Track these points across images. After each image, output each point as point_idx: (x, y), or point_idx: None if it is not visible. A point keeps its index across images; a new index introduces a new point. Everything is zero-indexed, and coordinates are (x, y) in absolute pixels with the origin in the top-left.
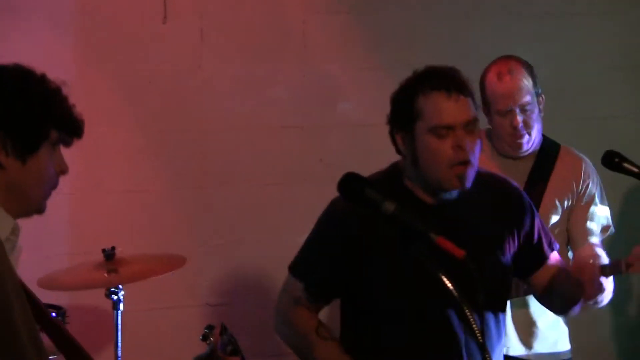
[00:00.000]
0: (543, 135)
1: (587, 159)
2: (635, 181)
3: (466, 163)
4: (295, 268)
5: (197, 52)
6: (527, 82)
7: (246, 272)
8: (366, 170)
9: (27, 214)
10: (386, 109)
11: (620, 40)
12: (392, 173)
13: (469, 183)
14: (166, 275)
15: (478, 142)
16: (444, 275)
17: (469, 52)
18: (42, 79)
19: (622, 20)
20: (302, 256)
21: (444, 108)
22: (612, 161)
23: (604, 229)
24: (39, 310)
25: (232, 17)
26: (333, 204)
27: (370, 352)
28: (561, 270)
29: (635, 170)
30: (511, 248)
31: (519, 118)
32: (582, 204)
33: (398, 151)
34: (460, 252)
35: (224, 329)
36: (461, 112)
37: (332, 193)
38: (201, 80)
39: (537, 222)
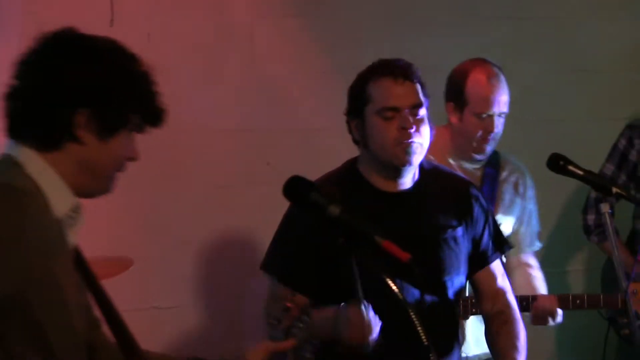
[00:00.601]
0: None
1: (524, 168)
2: (580, 184)
3: (411, 142)
4: (267, 265)
5: (144, 55)
6: (508, 91)
7: (195, 274)
8: (313, 173)
9: (92, 193)
10: (334, 112)
11: (568, 44)
12: (349, 166)
13: (416, 159)
14: (113, 278)
15: (425, 124)
16: (389, 278)
17: (419, 56)
18: (135, 59)
19: (572, 24)
20: (273, 253)
21: (390, 91)
22: (557, 164)
23: (537, 235)
24: (93, 285)
25: (180, 20)
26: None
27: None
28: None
29: (580, 172)
30: (465, 234)
31: (496, 124)
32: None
33: (355, 141)
34: (405, 256)
35: None
36: (407, 95)
37: (279, 196)
38: None
39: (491, 223)
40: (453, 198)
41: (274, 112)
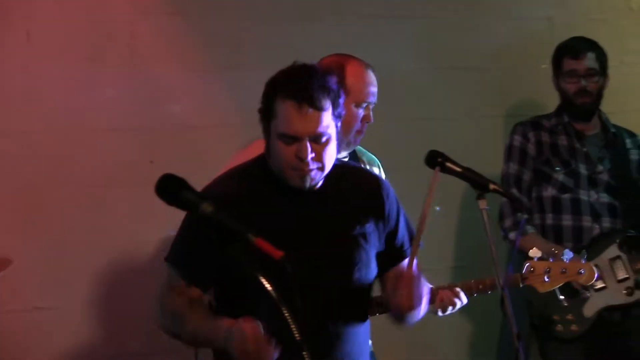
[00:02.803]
0: None
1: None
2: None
3: (307, 170)
4: (170, 257)
5: (24, 53)
6: None
7: (75, 274)
8: (196, 170)
9: None
10: (216, 110)
11: (443, 43)
12: (260, 160)
13: (312, 183)
14: None
15: (329, 147)
16: (262, 275)
17: (298, 54)
18: None
19: (446, 22)
20: (175, 245)
21: (292, 119)
22: (435, 161)
23: None
24: None
25: (59, 18)
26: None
27: None
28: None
29: (458, 169)
30: (375, 230)
31: (372, 114)
32: None
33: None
34: (278, 254)
35: None
36: (308, 125)
37: None
38: (27, 82)
39: (402, 217)
40: (363, 194)
41: (156, 111)
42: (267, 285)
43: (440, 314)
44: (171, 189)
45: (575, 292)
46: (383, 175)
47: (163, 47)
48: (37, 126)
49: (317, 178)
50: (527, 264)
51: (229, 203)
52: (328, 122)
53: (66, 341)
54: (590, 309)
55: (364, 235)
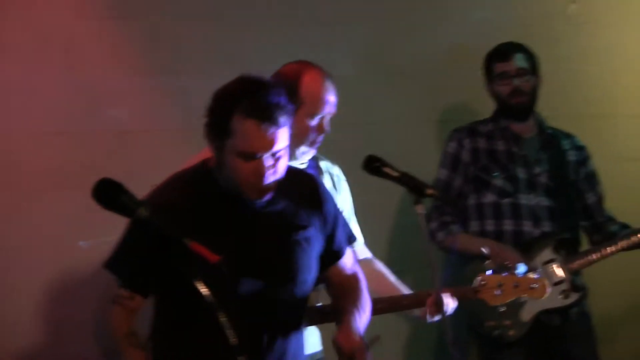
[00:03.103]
0: None
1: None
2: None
3: (265, 184)
4: (109, 262)
5: None
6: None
7: (9, 279)
8: (133, 175)
9: None
10: (155, 115)
11: (382, 47)
12: (202, 166)
13: (269, 196)
14: None
15: (283, 158)
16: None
17: (236, 57)
18: None
19: (386, 27)
20: (115, 250)
21: (253, 138)
22: (372, 166)
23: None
24: None
25: None
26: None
27: (173, 349)
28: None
29: (395, 174)
30: (316, 233)
31: (328, 124)
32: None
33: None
34: (214, 257)
35: None
36: (269, 144)
37: None
38: None
39: (339, 216)
40: (304, 197)
41: (94, 114)
42: (203, 290)
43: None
44: (108, 193)
45: None
46: (343, 182)
47: (102, 51)
48: None
49: (272, 187)
50: (479, 277)
51: (173, 212)
52: (285, 138)
53: (9, 346)
54: (527, 314)
55: (307, 239)
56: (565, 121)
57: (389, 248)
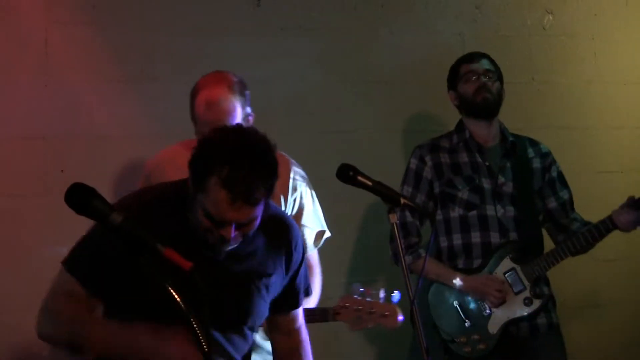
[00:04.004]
0: None
1: (295, 162)
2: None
3: (224, 247)
4: (68, 263)
5: None
6: (238, 108)
7: None
8: (108, 180)
9: None
10: (127, 121)
11: (355, 56)
12: (179, 193)
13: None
14: None
15: (253, 226)
16: (170, 286)
17: (213, 67)
18: None
19: (358, 36)
20: (76, 251)
21: (224, 209)
22: (346, 174)
23: (319, 235)
24: None
25: None
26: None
27: None
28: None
29: (369, 183)
30: (277, 281)
31: None
32: (294, 212)
33: None
34: (187, 264)
35: None
36: (237, 217)
37: None
38: None
39: (305, 265)
40: (274, 243)
41: (67, 120)
42: (176, 296)
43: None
44: (81, 198)
45: (478, 310)
46: (308, 191)
47: (77, 57)
48: None
49: (232, 247)
50: (341, 299)
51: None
52: (259, 210)
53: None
54: (494, 326)
55: (267, 287)
56: (539, 134)
57: (359, 258)
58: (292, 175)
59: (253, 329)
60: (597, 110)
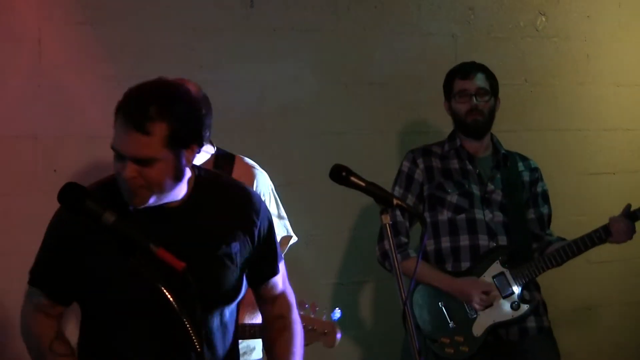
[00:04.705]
0: (217, 147)
1: (258, 167)
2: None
3: (130, 189)
4: (32, 274)
5: None
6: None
7: None
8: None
9: None
10: None
11: (349, 57)
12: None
13: (141, 202)
14: None
15: (154, 171)
16: (163, 286)
17: (208, 67)
18: None
19: (353, 37)
20: (37, 262)
21: (117, 137)
22: (339, 175)
23: (285, 240)
24: None
25: None
26: (60, 208)
27: (100, 357)
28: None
29: (362, 184)
30: (242, 249)
31: None
32: None
33: None
34: (179, 264)
35: None
36: (130, 147)
37: None
38: None
39: (273, 232)
40: (231, 211)
41: (60, 119)
42: (168, 295)
43: None
44: (74, 197)
45: (463, 312)
46: (273, 198)
47: (70, 55)
48: None
49: (146, 200)
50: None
51: (75, 233)
52: (154, 150)
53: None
54: (478, 329)
55: (229, 256)
56: (532, 135)
57: (349, 258)
58: (255, 183)
59: (229, 305)
60: (589, 112)
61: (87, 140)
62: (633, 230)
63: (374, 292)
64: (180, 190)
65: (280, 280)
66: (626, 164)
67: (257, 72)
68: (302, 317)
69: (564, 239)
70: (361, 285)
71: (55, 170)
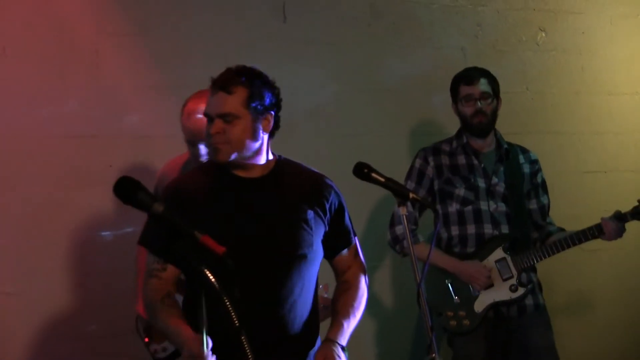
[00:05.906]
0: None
1: None
2: (383, 190)
3: (213, 144)
4: (142, 238)
5: (1, 67)
6: None
7: (41, 263)
8: (150, 174)
9: None
10: (167, 122)
11: (369, 68)
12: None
13: (223, 157)
14: None
15: (236, 128)
16: (207, 269)
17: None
18: None
19: (370, 49)
20: (145, 229)
21: (208, 102)
22: (362, 171)
23: None
24: None
25: (32, 36)
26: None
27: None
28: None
29: (382, 179)
30: (316, 217)
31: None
32: None
33: None
34: (220, 249)
35: None
36: (215, 105)
37: None
38: (3, 92)
39: (346, 213)
40: (307, 186)
41: (115, 121)
42: (212, 278)
43: None
44: (127, 189)
45: (467, 289)
46: None
47: (123, 65)
48: (7, 132)
49: (225, 153)
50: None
51: (184, 196)
52: (235, 107)
53: (31, 324)
54: (479, 305)
55: (305, 220)
56: (532, 137)
57: (366, 244)
58: None
59: (308, 266)
60: (584, 118)
61: (139, 139)
62: (623, 230)
63: (390, 276)
64: (261, 159)
65: (352, 253)
66: (616, 163)
67: (288, 81)
68: (320, 299)
69: (563, 229)
70: (375, 269)
71: (110, 166)
